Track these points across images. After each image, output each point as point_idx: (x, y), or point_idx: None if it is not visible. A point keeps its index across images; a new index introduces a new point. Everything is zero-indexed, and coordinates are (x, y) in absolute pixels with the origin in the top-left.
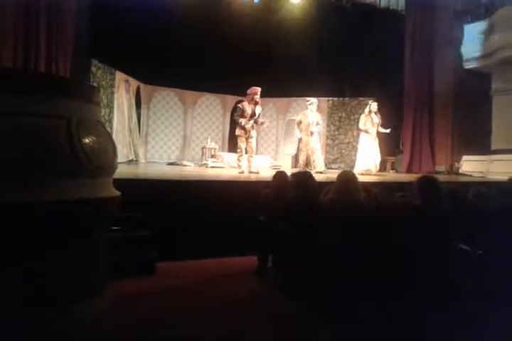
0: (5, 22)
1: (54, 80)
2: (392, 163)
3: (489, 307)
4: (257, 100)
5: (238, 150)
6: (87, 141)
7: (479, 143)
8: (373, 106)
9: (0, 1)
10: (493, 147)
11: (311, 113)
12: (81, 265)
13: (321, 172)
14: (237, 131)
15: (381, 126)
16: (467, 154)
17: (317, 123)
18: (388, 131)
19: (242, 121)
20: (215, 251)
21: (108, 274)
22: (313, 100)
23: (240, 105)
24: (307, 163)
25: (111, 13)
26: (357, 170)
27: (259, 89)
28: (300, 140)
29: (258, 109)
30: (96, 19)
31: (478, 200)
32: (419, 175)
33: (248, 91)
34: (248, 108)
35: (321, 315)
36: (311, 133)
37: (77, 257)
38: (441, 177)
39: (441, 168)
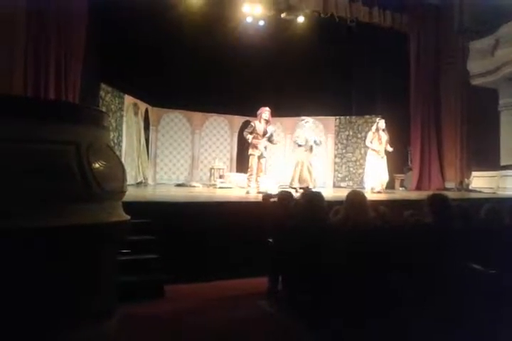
0: (14, 48)
1: (63, 106)
2: (402, 180)
3: (503, 327)
4: (266, 119)
5: (249, 170)
6: (96, 165)
7: (488, 158)
8: (381, 123)
9: (10, 26)
10: (503, 162)
11: (308, 130)
12: (89, 289)
13: (307, 187)
14: (250, 150)
15: (389, 143)
16: (476, 170)
17: (314, 142)
18: (391, 149)
19: (250, 137)
20: (224, 273)
21: (116, 298)
22: (309, 119)
23: (252, 123)
24: (301, 180)
25: (120, 37)
26: (365, 188)
27: (266, 109)
28: (296, 156)
29: (270, 129)
30: (105, 43)
31: (490, 218)
32: (429, 193)
33: (258, 112)
34: (259, 126)
35: (333, 337)
36: (311, 149)
37: (85, 281)
38: (451, 194)
39: (450, 184)
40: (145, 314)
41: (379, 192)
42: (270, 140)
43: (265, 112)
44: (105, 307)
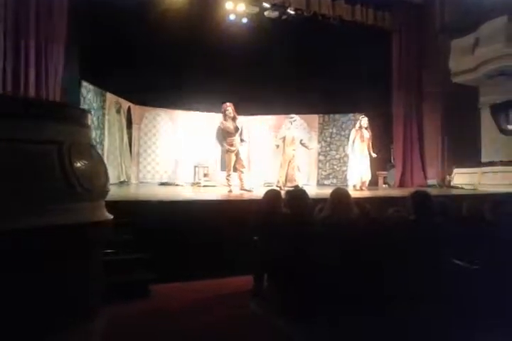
0: None
1: (44, 105)
2: (385, 177)
3: (483, 323)
4: (231, 116)
5: (226, 169)
6: (78, 165)
7: (470, 155)
8: (363, 121)
9: None
10: (483, 159)
11: (295, 129)
12: (73, 290)
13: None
14: (226, 147)
15: (371, 142)
16: (458, 167)
17: (301, 140)
18: (374, 155)
19: (225, 144)
20: (209, 272)
21: (101, 298)
22: (296, 117)
23: (220, 124)
24: (288, 179)
25: (101, 34)
26: (348, 186)
27: (228, 104)
28: (282, 155)
29: (239, 124)
30: (85, 41)
31: (471, 214)
32: (412, 190)
33: (221, 110)
34: (227, 125)
35: (318, 336)
36: (294, 150)
37: (69, 282)
38: (433, 191)
39: (432, 181)
40: (130, 314)
41: (361, 189)
42: (241, 138)
43: (228, 109)
44: (91, 307)
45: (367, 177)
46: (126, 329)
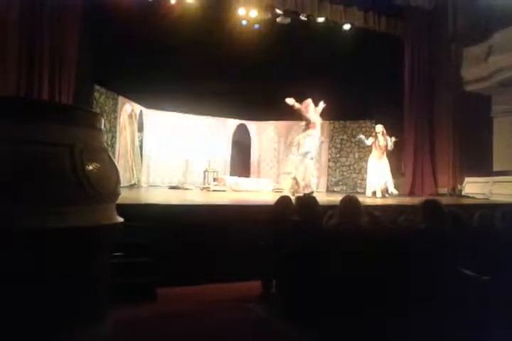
0: (8, 49)
1: (57, 107)
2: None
3: (494, 333)
4: None
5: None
6: (90, 167)
7: (481, 164)
8: (376, 128)
9: (2, 27)
10: (495, 168)
11: (315, 136)
12: (81, 292)
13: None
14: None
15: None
16: (469, 176)
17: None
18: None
19: None
20: (217, 276)
21: (109, 300)
22: None
23: None
24: (303, 185)
25: (114, 38)
26: (367, 194)
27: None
28: (297, 161)
29: None
30: (98, 45)
31: (482, 224)
32: (422, 199)
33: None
34: None
35: None
36: (311, 158)
37: (77, 284)
38: (444, 200)
39: (443, 190)
40: (137, 317)
41: (383, 197)
42: None
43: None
44: (98, 309)
45: (384, 182)
46: (132, 332)
